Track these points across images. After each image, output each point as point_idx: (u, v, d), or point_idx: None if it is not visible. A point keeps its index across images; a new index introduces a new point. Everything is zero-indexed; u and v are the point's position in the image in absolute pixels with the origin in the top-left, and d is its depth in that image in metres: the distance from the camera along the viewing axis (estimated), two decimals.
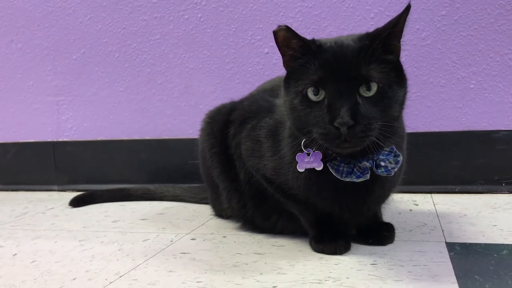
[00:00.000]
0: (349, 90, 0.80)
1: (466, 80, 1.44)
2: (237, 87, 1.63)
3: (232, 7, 1.62)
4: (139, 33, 1.73)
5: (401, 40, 0.85)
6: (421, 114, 1.47)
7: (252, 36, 1.61)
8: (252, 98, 1.15)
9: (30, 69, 1.88)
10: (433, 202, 1.35)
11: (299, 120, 0.86)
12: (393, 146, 0.89)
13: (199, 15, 1.66)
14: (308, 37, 0.87)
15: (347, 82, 0.80)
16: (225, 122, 1.14)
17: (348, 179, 0.87)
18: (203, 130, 1.22)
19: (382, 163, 0.87)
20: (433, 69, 1.46)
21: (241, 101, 1.18)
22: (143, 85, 1.75)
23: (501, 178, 1.42)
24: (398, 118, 0.87)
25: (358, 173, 0.87)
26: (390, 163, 0.88)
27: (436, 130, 1.47)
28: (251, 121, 1.07)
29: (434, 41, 1.45)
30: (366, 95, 0.81)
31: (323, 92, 0.82)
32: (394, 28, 0.82)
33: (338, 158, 0.88)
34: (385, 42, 0.82)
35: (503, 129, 1.42)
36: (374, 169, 0.87)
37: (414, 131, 1.44)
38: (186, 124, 1.71)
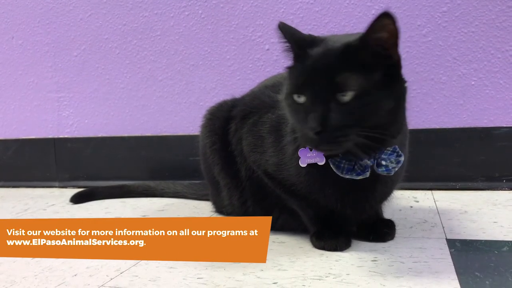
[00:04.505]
0: (323, 96, 0.80)
1: (467, 76, 1.44)
2: (238, 84, 1.63)
3: (233, 3, 1.61)
4: (139, 30, 1.73)
5: (402, 37, 0.81)
6: (422, 110, 1.47)
7: (253, 32, 1.61)
8: (253, 94, 1.15)
9: (31, 66, 1.88)
10: (434, 199, 1.35)
11: (290, 119, 0.89)
12: (396, 146, 0.88)
13: (200, 12, 1.65)
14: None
15: (322, 88, 0.80)
16: (226, 119, 1.14)
17: (348, 176, 0.87)
18: (204, 126, 1.22)
19: (383, 162, 0.88)
20: (434, 65, 1.45)
21: (243, 98, 1.18)
22: (143, 81, 1.75)
23: (502, 174, 1.42)
24: (388, 125, 0.83)
25: (359, 171, 0.87)
26: (391, 162, 0.88)
27: (437, 126, 1.46)
28: (253, 117, 1.06)
29: (435, 38, 1.44)
30: (342, 101, 0.79)
31: (303, 97, 0.83)
32: (376, 34, 0.78)
33: (340, 154, 0.88)
34: (374, 46, 0.79)
35: (504, 125, 1.42)
36: (375, 167, 0.88)
37: (415, 128, 1.44)
38: (187, 121, 1.71)
